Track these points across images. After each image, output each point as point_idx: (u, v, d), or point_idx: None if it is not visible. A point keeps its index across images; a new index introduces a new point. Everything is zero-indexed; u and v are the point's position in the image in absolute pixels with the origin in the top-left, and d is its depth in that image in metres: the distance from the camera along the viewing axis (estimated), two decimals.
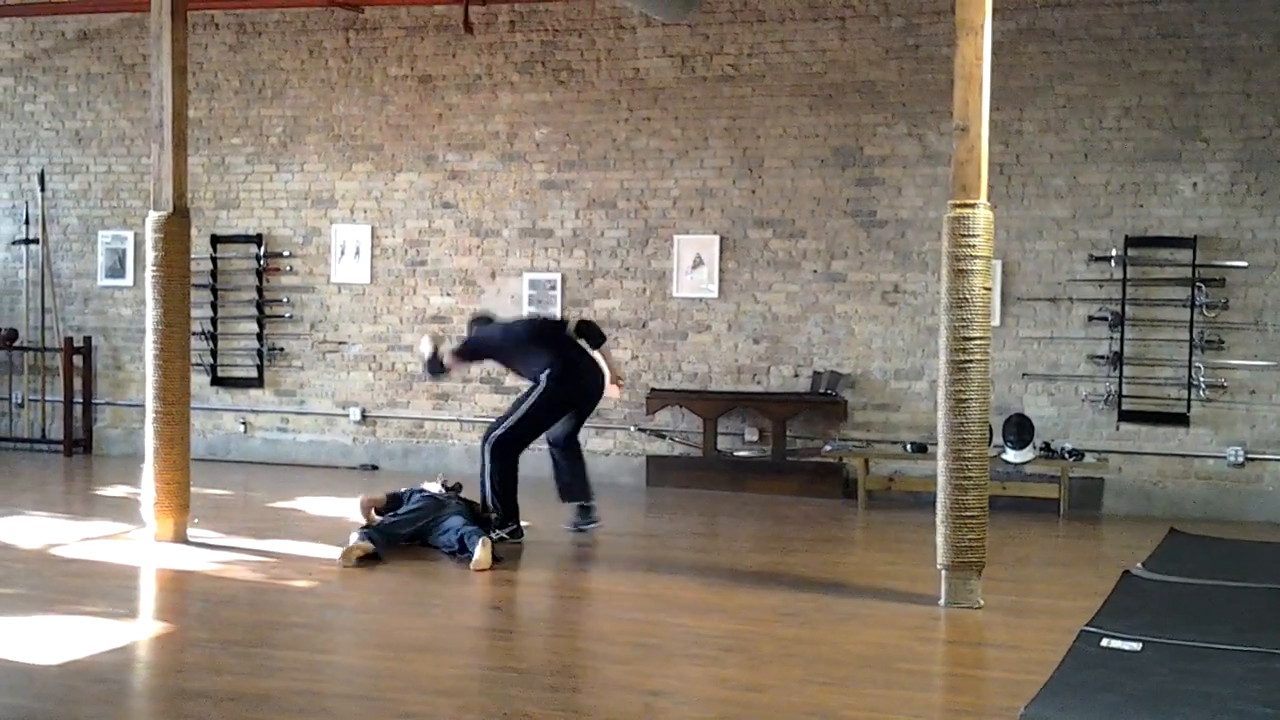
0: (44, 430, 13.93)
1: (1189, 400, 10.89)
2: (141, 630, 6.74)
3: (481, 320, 9.85)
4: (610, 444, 12.26)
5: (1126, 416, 11.03)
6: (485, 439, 9.19)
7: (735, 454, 11.85)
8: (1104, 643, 6.44)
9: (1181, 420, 10.92)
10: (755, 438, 11.86)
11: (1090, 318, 11.09)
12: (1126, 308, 10.97)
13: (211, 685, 5.66)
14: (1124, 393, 11.01)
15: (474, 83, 12.65)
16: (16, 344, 13.86)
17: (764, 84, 11.89)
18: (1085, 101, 11.14)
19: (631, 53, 12.21)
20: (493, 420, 9.58)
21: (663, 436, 12.12)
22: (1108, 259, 11.01)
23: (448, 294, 12.73)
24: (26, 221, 13.89)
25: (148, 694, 5.83)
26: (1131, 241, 10.97)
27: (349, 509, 10.44)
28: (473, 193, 12.67)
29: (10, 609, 6.94)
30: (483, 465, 9.13)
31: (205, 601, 7.48)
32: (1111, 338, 11.01)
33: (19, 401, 14.03)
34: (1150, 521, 10.46)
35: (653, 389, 12.04)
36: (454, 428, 12.74)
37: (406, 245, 12.87)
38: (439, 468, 12.28)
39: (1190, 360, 10.84)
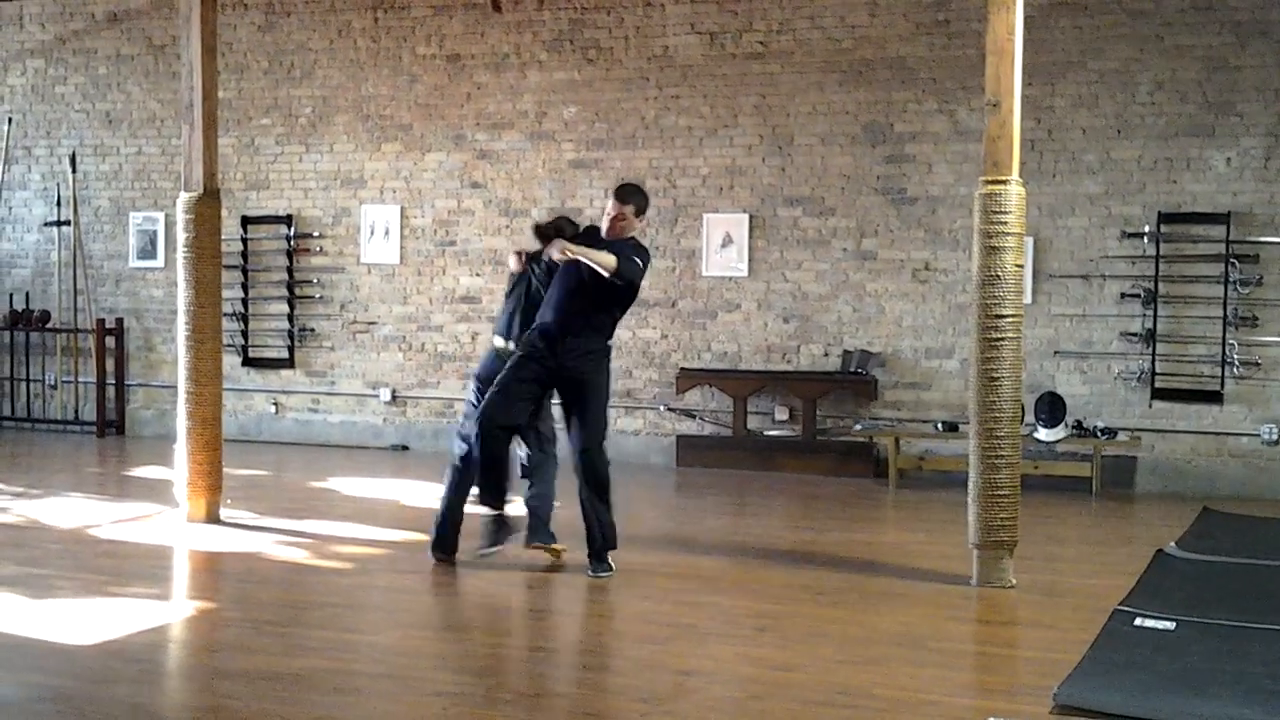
0: (77, 411, 14.02)
1: (1222, 378, 10.81)
2: (176, 610, 6.78)
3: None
4: (640, 424, 12.26)
5: (1159, 394, 10.96)
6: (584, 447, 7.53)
7: (765, 433, 11.83)
8: (1137, 622, 6.40)
9: (1215, 398, 10.84)
10: (785, 417, 11.84)
11: (1123, 294, 11.02)
12: (1159, 284, 10.89)
13: (245, 664, 5.69)
14: (1157, 370, 10.94)
15: (502, 62, 12.63)
16: (49, 325, 13.95)
17: (793, 61, 11.83)
18: (1118, 76, 11.04)
19: (660, 30, 12.16)
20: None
21: (693, 416, 12.11)
22: (1140, 235, 10.93)
23: (477, 274, 12.74)
24: (58, 203, 13.96)
25: (182, 673, 5.87)
26: (1164, 217, 10.89)
27: (380, 489, 10.50)
28: (501, 172, 12.66)
29: (46, 590, 6.99)
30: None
31: (238, 581, 7.52)
32: (1144, 315, 10.94)
33: (52, 383, 14.11)
34: (1183, 500, 10.40)
35: (682, 368, 12.03)
36: None
37: (436, 225, 12.88)
38: None
39: (1224, 337, 10.76)
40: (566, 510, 7.80)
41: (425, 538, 7.92)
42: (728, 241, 12.01)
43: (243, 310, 13.37)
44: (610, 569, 7.51)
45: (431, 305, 12.90)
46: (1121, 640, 6.11)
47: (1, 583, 6.88)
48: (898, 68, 11.57)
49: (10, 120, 14.11)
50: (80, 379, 14.01)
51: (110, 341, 13.71)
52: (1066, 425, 10.83)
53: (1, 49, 14.15)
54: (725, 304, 12.07)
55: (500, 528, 7.59)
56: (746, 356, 12.00)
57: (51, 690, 5.26)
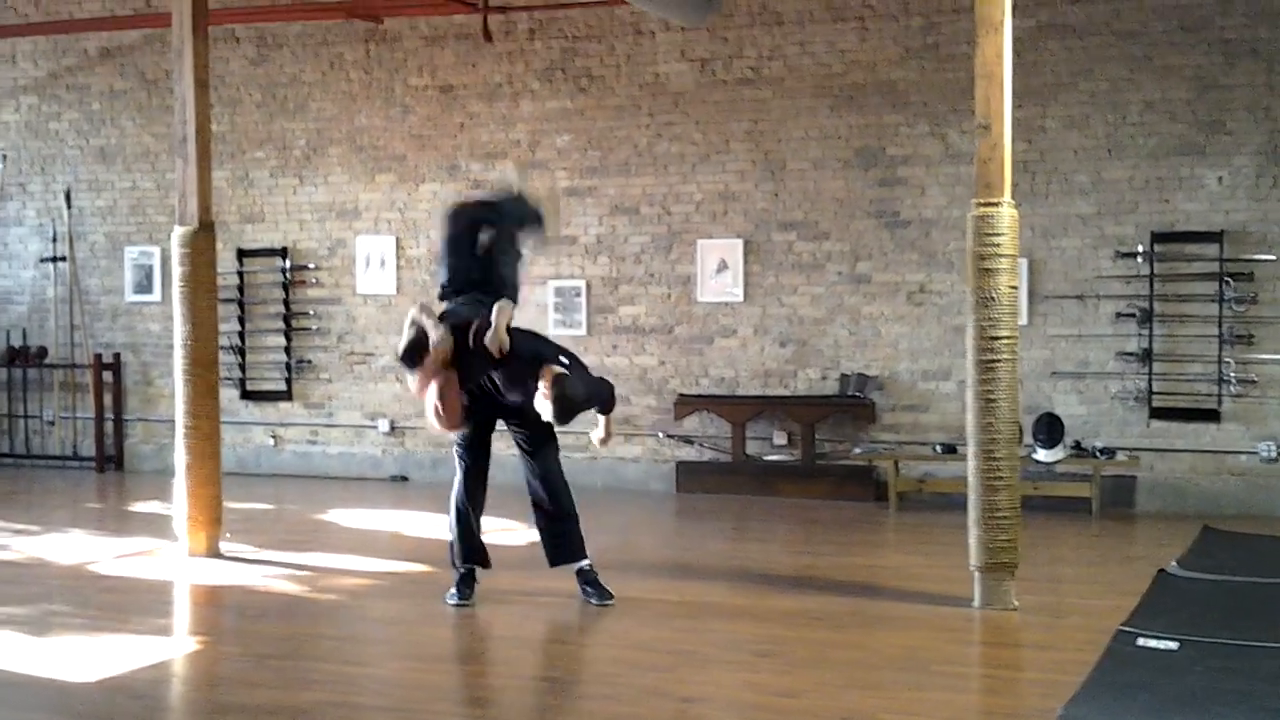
0: (75, 447, 14.01)
1: (1220, 396, 10.82)
2: (177, 645, 6.77)
3: None
4: (639, 450, 12.26)
5: (1157, 413, 10.97)
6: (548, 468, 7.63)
7: (764, 458, 11.83)
8: (1140, 642, 6.40)
9: (1213, 416, 10.85)
10: (784, 441, 11.84)
11: (1118, 314, 11.04)
12: (1154, 303, 10.91)
13: (247, 699, 5.68)
14: (1154, 389, 10.95)
15: (495, 91, 12.67)
16: (46, 361, 13.96)
17: (784, 86, 11.88)
18: (1108, 97, 11.09)
19: (651, 58, 12.21)
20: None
21: (691, 442, 12.11)
22: (1134, 255, 10.96)
23: None
24: (54, 239, 13.97)
25: (184, 709, 5.86)
26: (1158, 237, 10.92)
27: (380, 520, 10.50)
28: None
29: (47, 626, 6.98)
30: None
31: (239, 615, 7.51)
32: (1140, 334, 10.96)
33: (50, 419, 14.10)
34: (1184, 519, 10.40)
35: (680, 394, 12.03)
36: None
37: (431, 255, 12.90)
38: None
39: (1220, 355, 10.78)
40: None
41: (426, 568, 7.91)
42: (723, 267, 12.03)
43: (240, 343, 13.38)
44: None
45: None
46: (1125, 661, 6.11)
47: (2, 620, 6.87)
48: (888, 92, 11.62)
49: (4, 157, 14.14)
50: (78, 414, 14.00)
51: (108, 376, 13.71)
52: (1065, 446, 10.84)
53: None
54: (722, 329, 12.08)
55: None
56: (744, 381, 12.01)
57: None
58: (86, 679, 5.97)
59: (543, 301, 12.41)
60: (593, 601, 7.46)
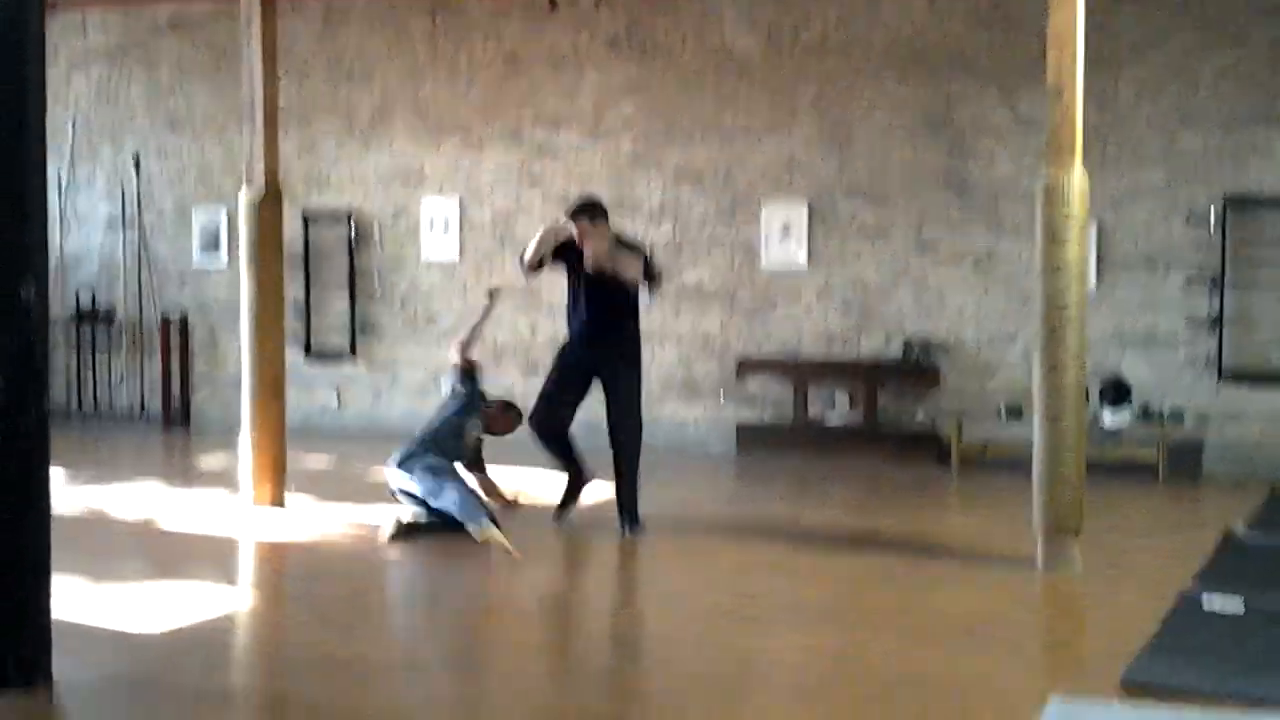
0: (144, 405, 14.18)
1: None
2: (241, 598, 6.85)
3: None
4: (700, 412, 12.24)
5: (1226, 378, 10.84)
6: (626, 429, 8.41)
7: (826, 422, 11.79)
8: (1205, 605, 6.33)
9: None
10: (846, 405, 11.80)
11: (1188, 280, 10.90)
12: (1225, 270, 10.77)
13: (311, 651, 5.74)
14: (1223, 354, 10.82)
15: (560, 61, 12.65)
16: (115, 322, 14.15)
17: (851, 55, 11.78)
18: (1181, 64, 10.92)
19: (717, 27, 12.15)
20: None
21: (753, 405, 12.09)
22: (1206, 222, 10.81)
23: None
24: (123, 204, 14.13)
25: (250, 660, 5.93)
26: (1230, 203, 10.77)
27: None
28: (560, 168, 12.69)
29: (115, 578, 7.08)
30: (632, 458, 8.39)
31: (303, 569, 7.59)
32: (1210, 300, 10.82)
33: (119, 378, 14.29)
34: (1251, 484, 10.24)
35: (742, 359, 12.01)
36: None
37: (495, 221, 12.94)
38: (529, 438, 12.41)
39: None
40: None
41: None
42: (787, 233, 11.98)
43: (305, 305, 13.47)
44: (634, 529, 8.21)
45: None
46: (1190, 624, 6.04)
47: (71, 571, 6.96)
48: (957, 59, 11.50)
49: (75, 123, 14.30)
50: (146, 374, 14.17)
51: (175, 337, 13.88)
52: (1132, 411, 10.73)
53: (65, 54, 14.33)
54: (785, 295, 12.04)
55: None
56: (807, 346, 11.96)
57: (120, 677, 5.33)
58: (151, 630, 6.05)
59: None
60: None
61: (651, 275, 8.39)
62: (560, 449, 8.64)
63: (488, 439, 8.75)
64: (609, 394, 8.39)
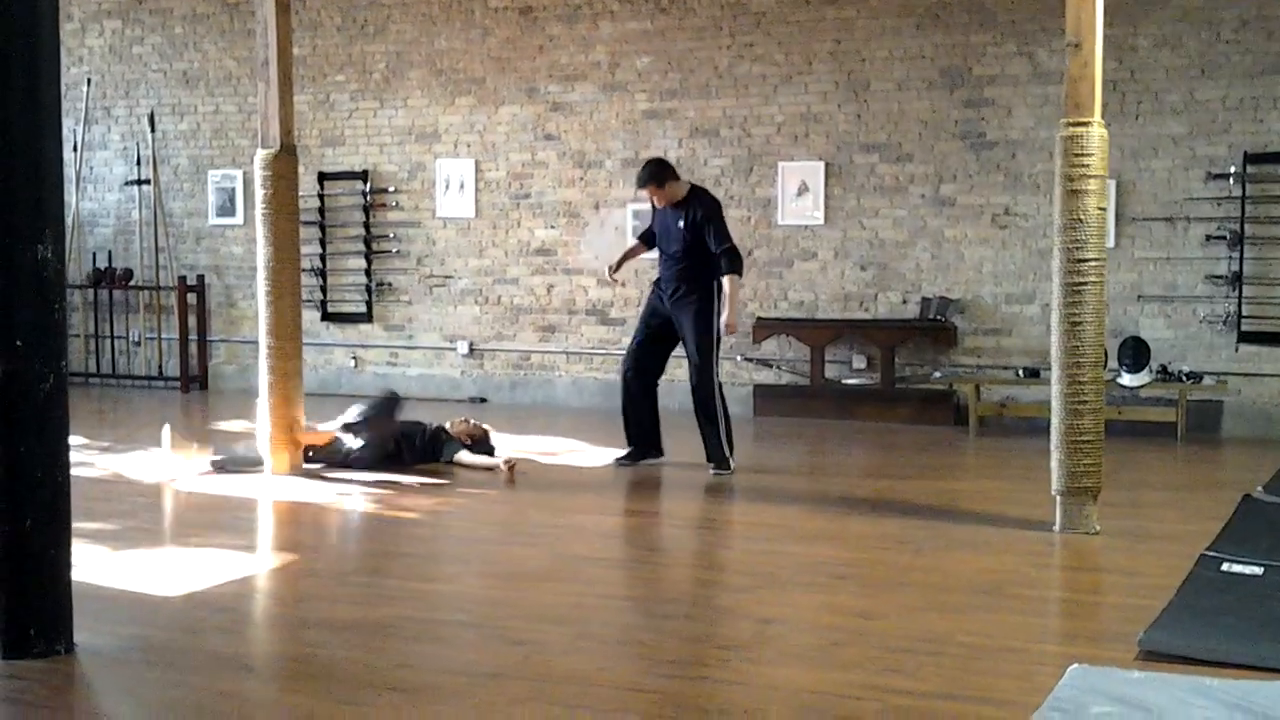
0: (161, 367, 14.22)
1: None
2: (260, 561, 6.86)
3: None
4: None
5: (1246, 338, 10.77)
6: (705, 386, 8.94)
7: (843, 382, 11.76)
8: (1224, 567, 6.31)
9: None
10: (864, 365, 11.77)
11: (1208, 237, 10.82)
12: (1246, 226, 10.68)
13: (329, 614, 5.74)
14: (1243, 313, 10.75)
15: (575, 13, 12.57)
16: (132, 283, 14.14)
17: (869, 5, 11.68)
18: (1201, 14, 10.81)
19: None
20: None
21: (770, 365, 12.06)
22: (1226, 176, 10.72)
23: (551, 226, 12.74)
24: (138, 162, 14.12)
25: (268, 623, 5.94)
26: (1251, 158, 10.67)
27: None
28: (575, 124, 12.63)
29: (134, 541, 7.10)
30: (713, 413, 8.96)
31: (320, 532, 7.60)
32: (1230, 257, 10.74)
33: (136, 340, 14.32)
34: (1271, 444, 10.22)
35: (759, 318, 11.98)
36: (560, 360, 12.78)
37: (510, 178, 12.89)
38: (546, 400, 12.42)
39: None
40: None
41: (501, 490, 7.98)
42: (803, 190, 11.91)
43: (321, 265, 13.47)
44: (726, 470, 8.93)
45: (507, 258, 12.92)
46: (1208, 585, 6.02)
47: (89, 535, 6.99)
48: (975, 10, 11.40)
49: (90, 81, 14.26)
50: (163, 335, 14.19)
51: (191, 298, 13.88)
52: (1151, 370, 10.68)
53: (79, 11, 14.29)
54: (802, 252, 11.99)
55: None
56: (824, 305, 11.92)
57: (141, 640, 5.34)
58: (170, 593, 6.06)
59: (621, 225, 12.38)
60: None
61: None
62: (641, 412, 9.16)
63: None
64: (684, 344, 8.99)
